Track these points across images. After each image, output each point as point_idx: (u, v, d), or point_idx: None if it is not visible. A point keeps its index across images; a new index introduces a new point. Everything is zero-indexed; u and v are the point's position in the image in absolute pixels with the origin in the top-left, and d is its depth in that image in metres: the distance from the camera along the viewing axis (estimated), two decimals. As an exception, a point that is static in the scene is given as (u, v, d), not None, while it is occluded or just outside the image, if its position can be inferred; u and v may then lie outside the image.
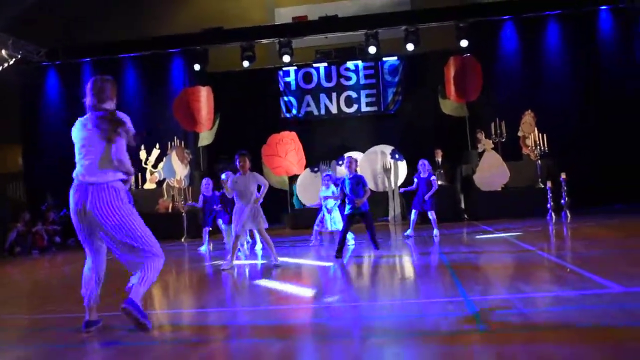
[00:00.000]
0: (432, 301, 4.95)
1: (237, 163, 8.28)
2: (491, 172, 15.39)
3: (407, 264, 7.79)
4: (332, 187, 11.20)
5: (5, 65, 16.16)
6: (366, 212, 8.89)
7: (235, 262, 8.56)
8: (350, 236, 11.31)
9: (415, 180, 11.73)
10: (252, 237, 11.44)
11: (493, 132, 15.74)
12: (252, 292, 6.45)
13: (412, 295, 5.36)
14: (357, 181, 8.88)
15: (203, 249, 11.47)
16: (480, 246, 9.26)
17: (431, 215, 11.44)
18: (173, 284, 7.47)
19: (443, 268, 6.75)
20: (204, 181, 11.56)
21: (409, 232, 11.68)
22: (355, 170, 9.01)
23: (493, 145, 15.68)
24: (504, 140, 15.81)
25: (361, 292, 5.77)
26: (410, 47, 17.77)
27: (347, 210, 8.93)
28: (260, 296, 6.00)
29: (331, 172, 15.34)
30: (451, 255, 8.08)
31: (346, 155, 17.80)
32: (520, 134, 16.24)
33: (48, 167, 19.28)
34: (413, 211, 11.75)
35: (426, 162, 11.71)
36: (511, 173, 15.38)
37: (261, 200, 8.32)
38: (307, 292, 5.94)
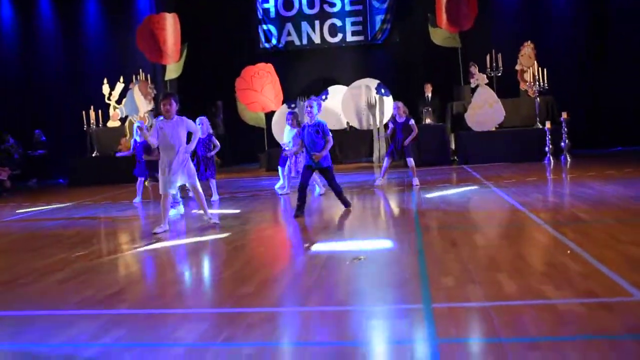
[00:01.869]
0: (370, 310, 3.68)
1: (161, 106, 6.89)
2: (485, 109, 13.90)
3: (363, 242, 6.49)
4: (289, 132, 9.80)
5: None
6: (327, 168, 7.46)
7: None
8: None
9: (391, 125, 10.40)
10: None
11: (488, 65, 14.19)
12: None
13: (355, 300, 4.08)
14: (317, 130, 7.40)
15: (137, 200, 10.22)
16: (463, 205, 7.93)
17: (409, 162, 10.16)
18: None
19: (411, 249, 5.44)
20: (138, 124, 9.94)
21: (380, 180, 10.41)
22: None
23: (487, 80, 14.16)
24: (499, 74, 14.32)
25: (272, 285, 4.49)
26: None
27: (305, 161, 7.60)
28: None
29: (297, 109, 13.93)
30: (425, 219, 6.81)
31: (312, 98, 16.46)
32: (518, 67, 14.74)
33: (8, 106, 17.87)
34: (386, 159, 10.48)
35: (401, 104, 10.37)
36: (507, 111, 13.90)
37: (190, 150, 6.96)
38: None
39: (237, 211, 8.53)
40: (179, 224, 7.50)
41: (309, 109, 7.41)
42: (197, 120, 10.11)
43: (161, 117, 6.96)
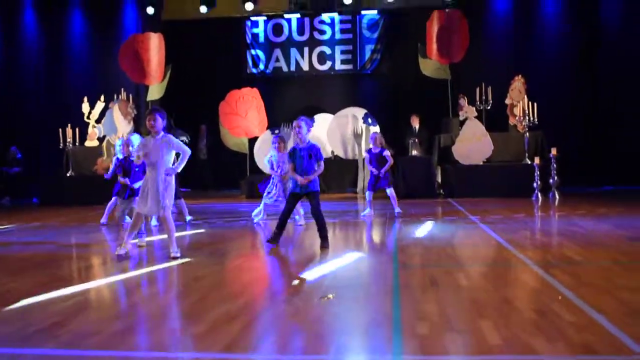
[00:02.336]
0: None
1: (146, 122, 6.41)
2: (473, 143, 13.54)
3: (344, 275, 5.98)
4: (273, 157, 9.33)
5: None
6: (315, 192, 6.84)
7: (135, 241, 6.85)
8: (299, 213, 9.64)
9: (366, 155, 10.13)
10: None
11: (477, 98, 13.86)
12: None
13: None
14: (309, 153, 6.83)
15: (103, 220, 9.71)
16: (446, 241, 7.45)
17: (390, 192, 10.00)
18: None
19: (386, 287, 4.94)
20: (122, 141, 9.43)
21: (367, 211, 9.98)
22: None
23: (476, 114, 13.83)
24: (489, 108, 13.97)
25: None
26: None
27: (290, 187, 7.07)
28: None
29: (284, 133, 13.60)
30: (405, 255, 6.33)
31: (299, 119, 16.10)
32: (507, 101, 14.42)
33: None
34: (367, 192, 10.12)
35: (378, 135, 10.24)
36: (495, 145, 13.54)
37: (174, 172, 6.43)
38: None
39: (206, 237, 8.02)
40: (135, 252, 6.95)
41: (297, 129, 6.88)
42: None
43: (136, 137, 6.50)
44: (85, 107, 15.41)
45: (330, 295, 4.36)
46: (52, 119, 16.05)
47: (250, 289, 5.04)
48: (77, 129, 14.97)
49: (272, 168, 9.39)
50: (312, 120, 7.32)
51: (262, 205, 9.57)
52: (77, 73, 17.31)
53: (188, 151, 6.47)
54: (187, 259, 6.23)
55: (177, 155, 6.58)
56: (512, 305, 4.02)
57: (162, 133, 6.35)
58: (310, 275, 5.28)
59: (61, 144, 14.71)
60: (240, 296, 4.59)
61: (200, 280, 5.24)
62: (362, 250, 6.92)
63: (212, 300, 4.46)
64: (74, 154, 15.13)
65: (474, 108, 13.84)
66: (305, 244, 7.42)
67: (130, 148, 7.15)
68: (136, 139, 7.01)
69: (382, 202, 11.19)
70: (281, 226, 6.91)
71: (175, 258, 6.24)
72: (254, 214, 9.77)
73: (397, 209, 9.89)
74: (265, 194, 9.45)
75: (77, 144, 15.03)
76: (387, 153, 9.89)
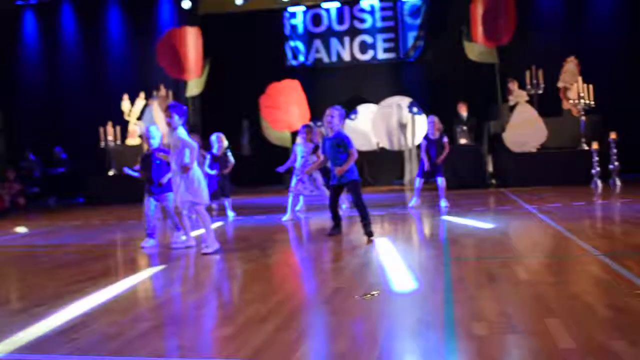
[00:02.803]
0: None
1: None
2: (525, 129, 12.84)
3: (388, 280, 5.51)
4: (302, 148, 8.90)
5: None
6: (353, 181, 6.45)
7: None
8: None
9: (424, 142, 9.49)
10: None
11: (528, 82, 13.16)
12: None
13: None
14: (337, 143, 6.42)
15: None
16: (501, 232, 6.90)
17: (441, 182, 9.35)
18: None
19: (437, 283, 4.46)
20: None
21: (414, 202, 9.48)
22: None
23: (528, 98, 13.11)
24: (541, 92, 13.24)
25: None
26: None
27: (331, 179, 6.69)
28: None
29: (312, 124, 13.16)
30: (457, 247, 5.82)
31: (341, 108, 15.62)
32: (560, 84, 13.62)
33: (29, 121, 17.57)
34: (417, 179, 9.56)
35: (436, 119, 9.47)
36: (549, 131, 12.80)
37: (190, 166, 6.08)
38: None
39: (244, 232, 7.68)
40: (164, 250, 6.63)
41: (329, 117, 6.47)
42: (214, 136, 9.51)
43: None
44: (126, 105, 15.32)
45: (375, 292, 3.92)
46: (93, 118, 15.99)
47: (285, 287, 4.64)
48: (117, 127, 14.91)
49: (294, 160, 8.95)
50: (345, 111, 6.84)
51: (290, 201, 9.02)
52: (117, 71, 17.28)
53: (194, 146, 6.12)
54: (216, 255, 5.97)
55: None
56: (582, 301, 3.51)
57: (177, 129, 6.06)
58: (354, 272, 4.86)
59: (102, 143, 14.66)
60: (272, 294, 4.19)
61: (232, 279, 4.88)
62: (410, 243, 6.44)
63: (244, 299, 4.08)
64: (115, 152, 15.05)
65: (525, 92, 13.14)
66: (349, 237, 6.98)
67: (152, 140, 6.81)
68: (154, 130, 6.69)
69: (431, 193, 10.67)
70: (336, 218, 6.70)
71: (206, 254, 5.96)
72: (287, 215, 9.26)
73: (445, 203, 9.29)
74: (291, 187, 8.96)
75: (118, 142, 14.97)
76: (446, 140, 9.37)
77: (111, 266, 6.08)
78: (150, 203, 6.88)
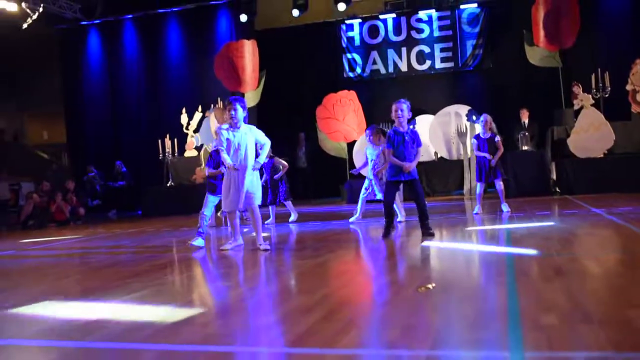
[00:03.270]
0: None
1: (226, 113, 6.06)
2: (591, 134, 12.26)
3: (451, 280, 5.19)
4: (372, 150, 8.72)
5: (29, 20, 14.53)
6: (416, 179, 6.43)
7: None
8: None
9: (475, 142, 9.10)
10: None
11: (593, 85, 12.59)
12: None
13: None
14: (413, 138, 6.41)
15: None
16: (568, 231, 6.46)
17: (499, 186, 8.91)
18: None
19: (498, 277, 4.13)
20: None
21: (477, 209, 9.08)
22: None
23: (593, 102, 12.53)
24: (607, 95, 12.62)
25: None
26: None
27: (389, 175, 6.50)
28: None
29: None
30: (520, 244, 5.44)
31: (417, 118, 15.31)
32: (629, 87, 12.96)
33: (92, 136, 18.01)
34: (478, 185, 9.16)
35: (489, 118, 9.04)
36: (617, 136, 12.18)
37: (260, 163, 6.07)
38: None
39: (299, 234, 7.49)
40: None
41: (399, 112, 6.35)
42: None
43: (225, 126, 6.10)
44: (184, 118, 15.48)
45: (430, 285, 3.65)
46: (153, 132, 16.27)
47: (334, 281, 4.41)
48: (175, 140, 15.07)
49: (365, 164, 8.80)
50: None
51: (359, 204, 9.01)
52: (176, 85, 17.51)
53: (268, 142, 6.08)
54: (266, 249, 5.90)
55: None
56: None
57: (243, 123, 5.96)
58: (408, 268, 4.58)
59: (160, 155, 14.85)
60: (322, 288, 3.96)
61: (284, 272, 4.69)
62: (469, 242, 6.10)
63: (288, 292, 3.87)
64: (174, 164, 15.20)
65: (590, 96, 12.56)
66: (406, 238, 6.69)
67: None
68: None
69: (493, 200, 10.25)
70: (389, 217, 6.49)
71: (263, 250, 5.87)
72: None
73: (506, 208, 8.85)
74: (362, 192, 8.90)
75: (176, 154, 15.13)
76: (498, 139, 8.94)
77: (160, 264, 5.99)
78: (209, 201, 6.88)
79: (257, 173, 6.13)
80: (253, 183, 6.02)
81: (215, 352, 2.66)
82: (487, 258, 4.89)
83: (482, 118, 9.20)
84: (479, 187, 9.17)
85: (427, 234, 6.17)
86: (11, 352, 2.92)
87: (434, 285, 3.66)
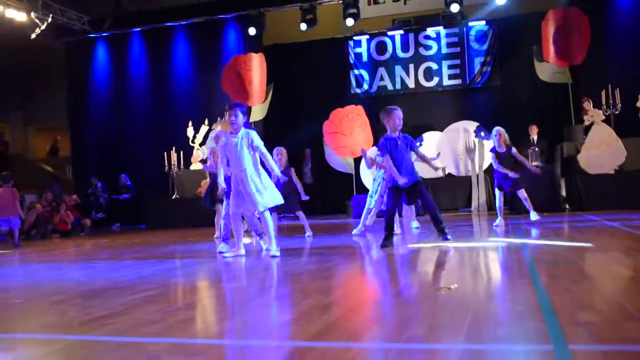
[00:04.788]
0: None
1: (227, 118, 6.01)
2: (602, 150, 12.13)
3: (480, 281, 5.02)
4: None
5: (38, 30, 14.51)
6: (419, 181, 6.27)
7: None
8: (414, 224, 8.98)
9: (493, 155, 8.92)
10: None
11: (604, 102, 12.49)
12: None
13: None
14: (406, 143, 6.33)
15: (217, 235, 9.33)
16: (589, 240, 6.29)
17: (521, 194, 8.75)
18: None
19: (523, 279, 3.97)
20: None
21: (498, 220, 8.83)
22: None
23: (604, 117, 12.41)
24: (617, 112, 12.53)
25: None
26: (500, 0, 14.71)
27: (389, 182, 6.37)
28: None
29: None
30: (540, 253, 5.28)
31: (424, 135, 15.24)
32: (639, 104, 12.88)
33: (96, 149, 17.92)
34: (498, 194, 8.92)
35: (502, 131, 8.89)
36: (628, 152, 12.05)
37: (280, 175, 6.06)
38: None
39: (307, 243, 7.33)
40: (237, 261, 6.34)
41: (398, 121, 6.32)
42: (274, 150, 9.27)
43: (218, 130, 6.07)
44: (190, 130, 15.42)
45: (453, 286, 3.49)
46: (158, 145, 16.16)
47: (350, 283, 4.24)
48: (181, 153, 14.98)
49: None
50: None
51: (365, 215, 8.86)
52: (183, 98, 17.44)
53: (267, 152, 5.99)
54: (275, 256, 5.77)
55: None
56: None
57: (243, 129, 5.88)
58: (427, 271, 4.42)
59: (166, 168, 14.75)
60: (338, 289, 3.80)
61: (296, 275, 4.53)
62: (488, 248, 5.92)
63: (303, 292, 3.72)
64: (179, 177, 15.11)
65: (601, 112, 12.45)
66: (419, 245, 6.53)
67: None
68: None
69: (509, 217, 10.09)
70: (389, 227, 6.27)
71: (274, 257, 5.72)
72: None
73: (536, 216, 8.66)
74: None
75: (182, 167, 15.03)
76: (514, 151, 8.79)
77: (173, 268, 5.83)
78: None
79: (265, 175, 6.02)
80: (257, 187, 5.90)
81: (233, 345, 2.51)
82: (508, 264, 4.72)
83: (494, 132, 9.06)
84: (498, 196, 8.92)
85: (444, 239, 6.04)
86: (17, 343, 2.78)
87: (455, 286, 3.50)
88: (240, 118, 5.88)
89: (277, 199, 6.05)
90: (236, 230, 6.23)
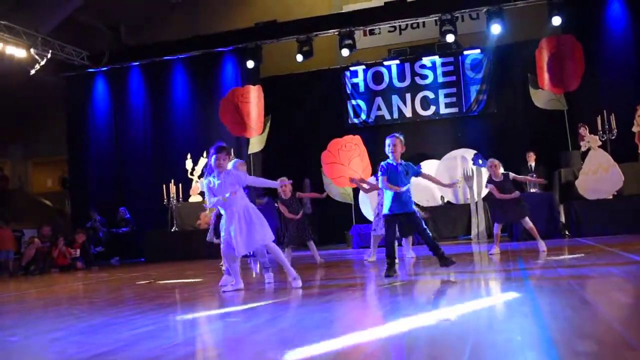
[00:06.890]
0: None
1: (216, 160, 6.02)
2: (600, 175, 12.17)
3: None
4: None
5: (37, 66, 14.66)
6: (414, 212, 6.37)
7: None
8: (409, 254, 9.02)
9: (490, 187, 8.89)
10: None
11: (599, 127, 12.57)
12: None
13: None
14: (407, 170, 6.48)
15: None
16: (588, 267, 6.28)
17: (526, 223, 8.62)
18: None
19: (521, 308, 3.96)
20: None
21: (495, 250, 8.82)
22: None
23: (600, 143, 12.48)
24: (613, 137, 12.60)
25: None
26: (495, 29, 14.88)
27: (384, 210, 6.40)
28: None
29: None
30: (538, 281, 5.26)
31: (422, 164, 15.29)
32: (635, 129, 12.93)
33: (95, 182, 17.96)
34: (495, 225, 8.95)
35: (497, 162, 8.80)
36: (626, 177, 12.08)
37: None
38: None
39: (317, 272, 7.32)
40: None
41: (390, 147, 6.43)
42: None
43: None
44: (189, 163, 15.49)
45: (451, 317, 3.47)
46: (158, 178, 16.19)
47: (363, 319, 4.23)
48: (180, 185, 15.02)
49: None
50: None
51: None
52: (181, 130, 17.52)
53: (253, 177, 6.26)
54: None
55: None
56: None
57: (226, 169, 5.98)
58: (425, 291, 4.41)
59: (165, 200, 14.78)
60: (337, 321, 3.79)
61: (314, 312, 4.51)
62: (486, 277, 5.91)
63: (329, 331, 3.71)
64: (178, 209, 15.13)
65: (597, 137, 12.52)
66: (419, 274, 6.52)
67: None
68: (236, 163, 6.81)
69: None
70: (391, 256, 6.34)
71: (297, 288, 5.79)
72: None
73: (543, 246, 8.45)
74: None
75: (180, 199, 15.06)
76: (512, 175, 8.73)
77: (173, 303, 5.81)
78: None
79: (256, 212, 6.03)
80: (259, 221, 5.93)
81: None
82: (505, 288, 4.71)
83: (488, 164, 9.04)
84: (495, 228, 8.92)
85: (445, 264, 6.07)
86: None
87: (454, 317, 3.49)
88: (229, 158, 6.05)
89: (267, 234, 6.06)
90: (233, 268, 6.21)
